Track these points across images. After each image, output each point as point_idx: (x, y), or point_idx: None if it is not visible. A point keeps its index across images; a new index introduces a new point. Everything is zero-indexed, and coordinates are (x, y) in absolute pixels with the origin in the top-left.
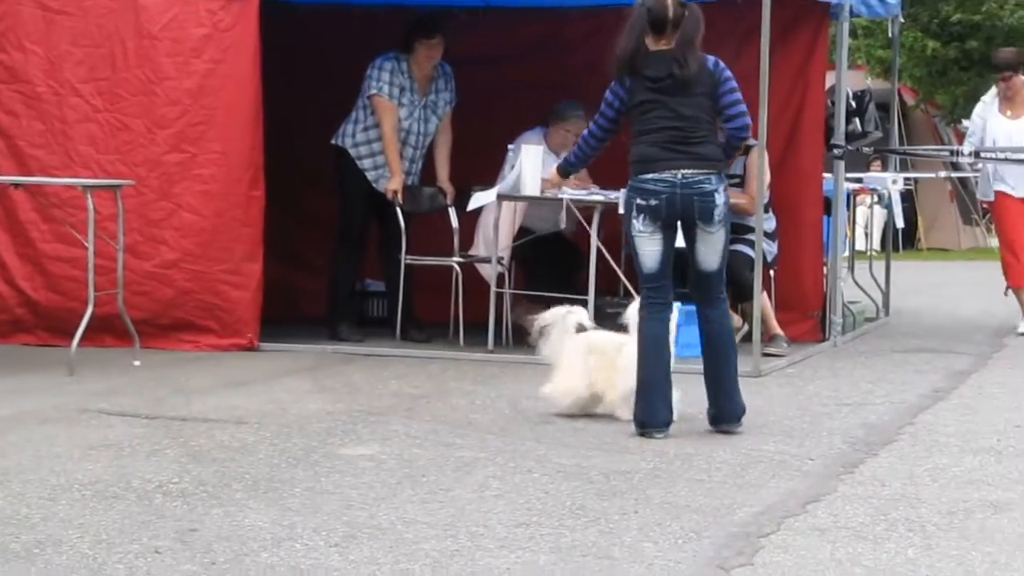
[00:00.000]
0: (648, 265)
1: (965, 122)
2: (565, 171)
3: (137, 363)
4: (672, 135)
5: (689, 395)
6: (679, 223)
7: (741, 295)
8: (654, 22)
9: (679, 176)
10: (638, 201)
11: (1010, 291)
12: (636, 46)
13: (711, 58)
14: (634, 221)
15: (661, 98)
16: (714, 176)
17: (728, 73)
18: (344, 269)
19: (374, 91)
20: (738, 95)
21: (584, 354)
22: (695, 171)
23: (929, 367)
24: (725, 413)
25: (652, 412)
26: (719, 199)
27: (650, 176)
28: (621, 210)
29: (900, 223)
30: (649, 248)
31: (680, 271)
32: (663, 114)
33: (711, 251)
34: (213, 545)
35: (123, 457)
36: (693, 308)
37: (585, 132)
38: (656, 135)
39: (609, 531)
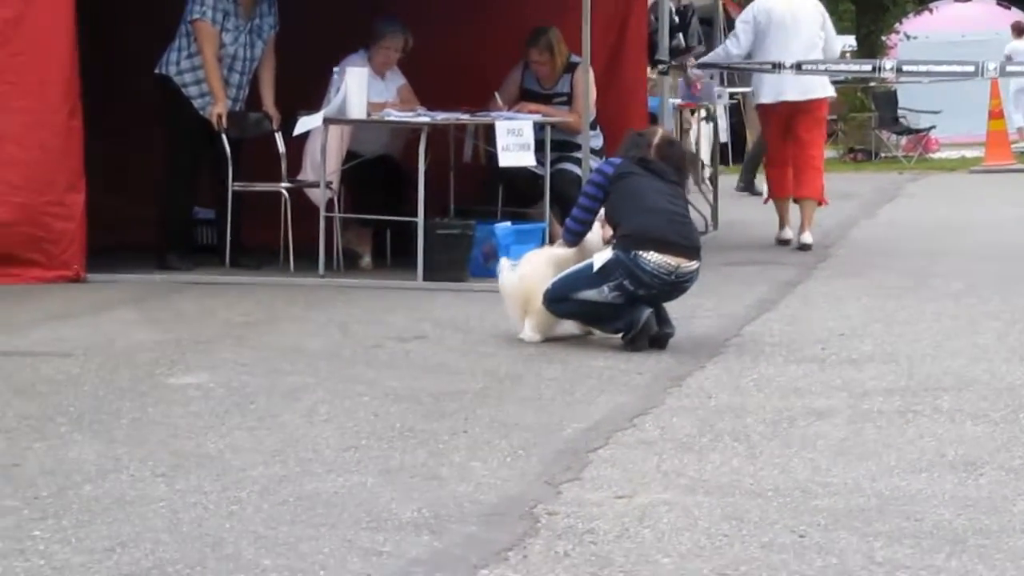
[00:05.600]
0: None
1: None
2: (572, 242)
3: None
4: (673, 218)
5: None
6: None
7: (568, 212)
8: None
9: (677, 270)
10: (624, 281)
11: (771, 200)
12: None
13: None
14: (604, 286)
15: (653, 179)
16: (699, 263)
17: None
18: (176, 199)
19: (196, 15)
20: None
21: (552, 269)
22: (692, 265)
23: (757, 279)
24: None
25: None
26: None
27: (653, 260)
28: (596, 265)
29: (725, 137)
30: (603, 302)
31: (516, 188)
32: (659, 190)
33: None
34: (36, 479)
35: None
36: (526, 227)
37: (581, 213)
38: (657, 214)
39: (438, 452)
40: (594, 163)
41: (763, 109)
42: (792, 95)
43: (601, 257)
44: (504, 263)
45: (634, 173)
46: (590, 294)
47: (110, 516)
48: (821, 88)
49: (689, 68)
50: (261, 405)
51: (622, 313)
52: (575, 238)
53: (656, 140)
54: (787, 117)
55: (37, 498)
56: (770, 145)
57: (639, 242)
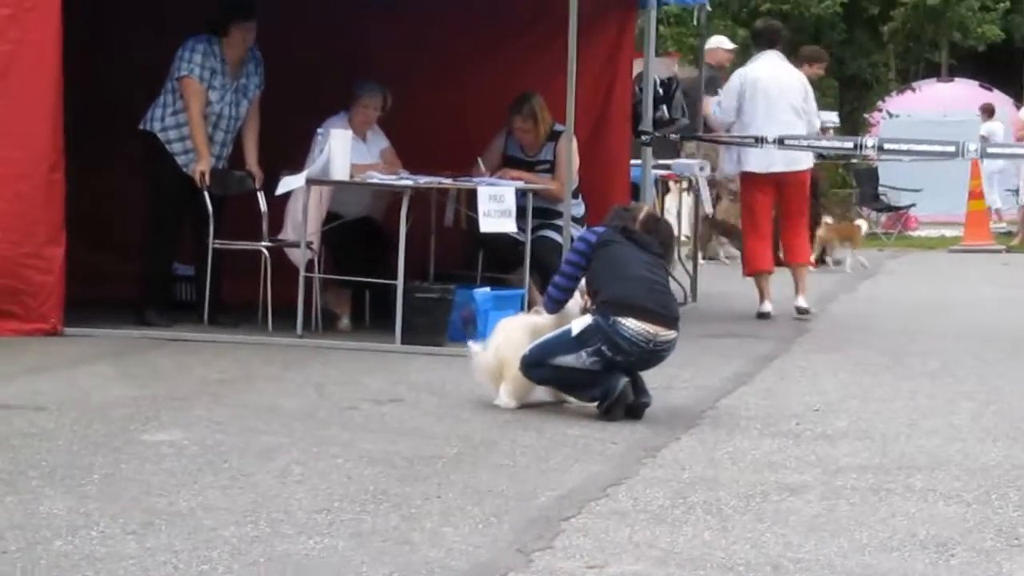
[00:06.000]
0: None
1: None
2: (553, 309)
3: None
4: (653, 287)
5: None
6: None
7: (548, 280)
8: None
9: (655, 339)
10: (602, 346)
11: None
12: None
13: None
14: (582, 351)
15: (635, 249)
16: (677, 333)
17: None
18: (156, 254)
19: (184, 73)
20: None
21: (528, 337)
22: (669, 335)
23: (734, 351)
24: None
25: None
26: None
27: (632, 327)
28: (575, 331)
29: (709, 209)
30: (580, 368)
31: (496, 254)
32: (641, 260)
33: None
34: (5, 534)
35: None
36: (505, 293)
37: (563, 280)
38: (637, 282)
39: (410, 516)
40: (575, 231)
41: (751, 178)
42: (781, 166)
43: (580, 323)
44: (474, 347)
45: (616, 242)
46: (568, 359)
47: (79, 572)
48: (806, 160)
49: (670, 138)
50: (234, 464)
51: (599, 380)
52: (556, 305)
53: (642, 216)
54: (776, 187)
55: (6, 552)
56: (754, 217)
57: (618, 309)
